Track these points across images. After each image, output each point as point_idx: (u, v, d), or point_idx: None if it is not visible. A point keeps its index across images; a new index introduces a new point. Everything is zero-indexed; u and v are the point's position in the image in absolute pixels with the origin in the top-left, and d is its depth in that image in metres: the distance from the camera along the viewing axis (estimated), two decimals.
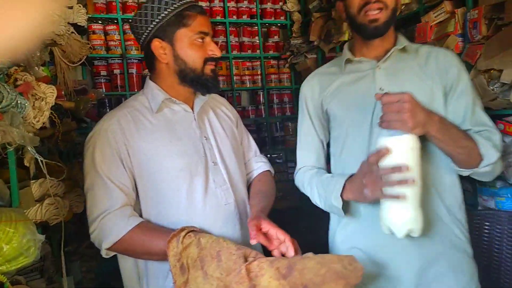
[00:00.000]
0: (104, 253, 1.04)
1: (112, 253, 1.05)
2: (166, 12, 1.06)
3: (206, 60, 1.10)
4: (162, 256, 0.97)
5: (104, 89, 2.84)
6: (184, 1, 1.08)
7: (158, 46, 1.09)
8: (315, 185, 1.13)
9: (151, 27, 1.08)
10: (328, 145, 1.23)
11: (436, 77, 1.05)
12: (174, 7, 1.07)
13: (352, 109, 1.09)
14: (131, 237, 1.00)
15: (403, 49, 1.09)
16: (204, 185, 1.08)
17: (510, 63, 1.50)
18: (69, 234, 1.29)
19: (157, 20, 1.07)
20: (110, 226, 1.01)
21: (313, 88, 1.20)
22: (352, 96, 1.10)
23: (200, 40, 1.09)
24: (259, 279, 0.83)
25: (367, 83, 1.09)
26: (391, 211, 0.91)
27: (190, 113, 1.15)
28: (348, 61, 1.14)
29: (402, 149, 0.89)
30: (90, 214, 1.05)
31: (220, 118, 1.23)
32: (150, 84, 1.15)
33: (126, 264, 1.13)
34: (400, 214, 0.90)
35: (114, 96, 2.92)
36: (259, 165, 1.31)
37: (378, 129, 1.01)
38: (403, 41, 1.10)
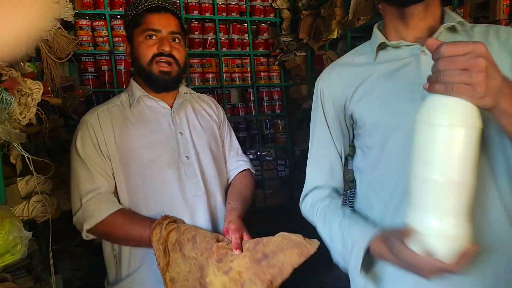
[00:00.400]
0: (84, 235, 1.10)
1: (92, 236, 1.11)
2: (130, 18, 1.19)
3: (155, 56, 1.15)
4: (138, 242, 1.07)
5: (91, 86, 2.81)
6: (144, 5, 1.16)
7: (125, 47, 1.24)
8: (328, 228, 0.89)
9: (126, 32, 1.24)
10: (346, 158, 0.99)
11: (502, 62, 0.75)
12: (135, 11, 1.17)
13: (391, 109, 0.82)
14: (112, 220, 1.07)
15: (452, 29, 0.82)
16: (175, 177, 1.16)
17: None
18: (57, 232, 1.28)
19: (126, 26, 1.22)
20: (93, 208, 1.08)
21: (333, 85, 0.93)
22: (389, 92, 0.83)
23: (150, 37, 1.15)
24: (228, 254, 0.94)
25: (410, 74, 0.82)
26: (432, 225, 0.61)
27: (168, 110, 1.23)
28: (382, 46, 0.86)
29: (460, 126, 0.59)
30: (73, 197, 1.12)
31: (198, 115, 1.29)
32: (131, 82, 1.26)
33: (106, 249, 1.20)
34: (447, 229, 0.61)
35: (102, 93, 2.89)
36: (240, 163, 1.35)
37: None
38: (453, 17, 0.82)
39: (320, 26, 2.84)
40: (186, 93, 1.27)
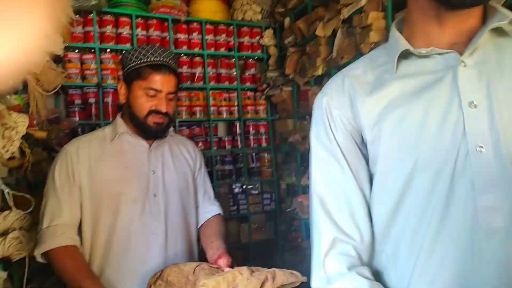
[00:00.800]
0: (37, 257, 1.19)
1: (43, 260, 1.19)
2: (133, 64, 1.24)
3: (150, 112, 1.24)
4: (67, 282, 1.16)
5: (78, 118, 2.79)
6: (151, 59, 1.23)
7: (121, 87, 1.30)
8: None
9: (124, 71, 1.29)
10: None
11: None
12: (139, 62, 1.23)
13: (418, 141, 0.62)
14: (54, 254, 1.15)
15: (500, 30, 0.60)
16: (138, 213, 1.22)
17: None
18: (33, 270, 1.24)
19: (127, 67, 1.27)
20: (46, 237, 1.16)
21: (346, 101, 0.70)
22: (416, 119, 0.62)
23: (151, 93, 1.22)
24: (220, 272, 1.00)
25: (444, 93, 0.61)
26: None
27: (145, 148, 1.30)
28: (406, 55, 0.65)
29: None
30: (40, 220, 1.20)
31: (175, 158, 1.37)
32: (117, 118, 1.34)
33: None
34: None
35: (88, 125, 2.87)
36: (212, 208, 1.45)
37: (469, 175, 0.57)
38: (502, 13, 0.59)
39: (305, 62, 2.93)
40: (167, 135, 1.36)
